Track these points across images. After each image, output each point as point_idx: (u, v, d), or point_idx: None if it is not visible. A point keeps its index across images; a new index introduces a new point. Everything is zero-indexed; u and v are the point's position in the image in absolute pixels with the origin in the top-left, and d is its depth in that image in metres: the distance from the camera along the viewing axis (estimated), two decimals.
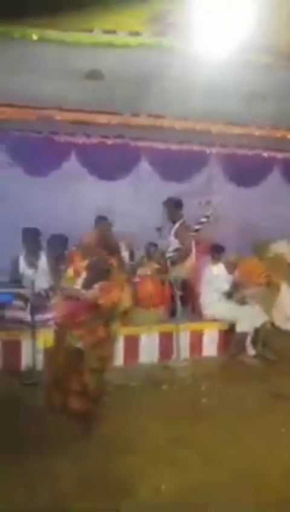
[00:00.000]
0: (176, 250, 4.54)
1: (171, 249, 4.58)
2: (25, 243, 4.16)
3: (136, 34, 3.19)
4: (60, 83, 3.81)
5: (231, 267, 4.65)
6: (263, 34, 3.24)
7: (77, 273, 3.05)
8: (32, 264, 4.11)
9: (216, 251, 4.77)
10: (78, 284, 3.04)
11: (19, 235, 5.15)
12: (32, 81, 3.73)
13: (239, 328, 4.26)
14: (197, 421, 2.98)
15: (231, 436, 2.78)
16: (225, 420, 2.99)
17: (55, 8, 2.69)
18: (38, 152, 5.22)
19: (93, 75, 3.72)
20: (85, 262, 3.09)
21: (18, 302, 3.97)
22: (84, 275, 3.04)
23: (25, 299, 3.90)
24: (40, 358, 3.78)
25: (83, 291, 2.98)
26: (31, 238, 4.14)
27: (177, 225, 4.64)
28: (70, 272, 3.08)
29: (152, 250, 5.33)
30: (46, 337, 3.83)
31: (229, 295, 4.47)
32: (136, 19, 3.01)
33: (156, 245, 5.28)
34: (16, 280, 4.07)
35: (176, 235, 4.60)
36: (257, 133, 5.09)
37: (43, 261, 4.20)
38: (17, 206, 5.37)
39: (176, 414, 3.08)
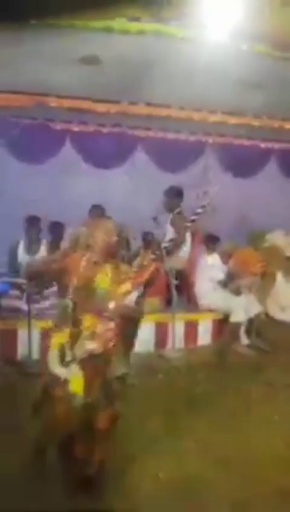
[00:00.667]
0: (172, 240, 4.54)
1: (167, 238, 4.58)
2: (25, 231, 4.13)
3: (135, 19, 3.13)
4: (57, 69, 3.74)
5: (225, 257, 4.67)
6: (259, 23, 3.21)
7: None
8: (32, 252, 4.09)
9: (211, 241, 4.78)
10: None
11: (14, 224, 5.14)
12: (29, 67, 3.66)
13: (233, 318, 4.30)
14: (192, 409, 3.02)
15: (226, 424, 2.83)
16: (220, 409, 3.03)
17: None
18: (34, 139, 5.15)
19: (91, 60, 3.65)
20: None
21: (15, 291, 3.96)
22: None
23: (22, 289, 3.89)
24: (36, 347, 3.79)
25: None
26: (31, 226, 4.10)
27: (173, 215, 4.63)
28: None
29: (148, 239, 5.33)
30: (42, 326, 3.85)
31: (224, 284, 4.50)
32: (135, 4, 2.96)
33: (152, 234, 5.28)
34: (14, 269, 4.05)
35: (172, 225, 4.60)
36: (254, 123, 5.05)
37: (42, 249, 4.17)
38: (10, 194, 5.33)
39: (171, 403, 3.12)
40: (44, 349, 3.18)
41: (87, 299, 2.06)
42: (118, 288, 2.12)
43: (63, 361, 2.03)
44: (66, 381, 2.02)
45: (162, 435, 2.68)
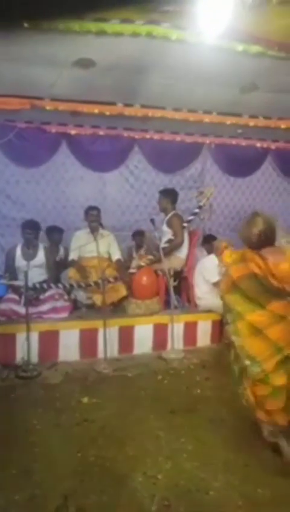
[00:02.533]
0: (169, 241, 4.54)
1: (164, 240, 4.58)
2: (22, 235, 4.12)
3: (128, 21, 3.12)
4: (52, 72, 3.73)
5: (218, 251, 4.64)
6: (255, 23, 3.20)
7: None
8: (29, 256, 4.08)
9: (208, 241, 4.78)
10: None
11: (10, 228, 5.14)
12: (24, 70, 3.66)
13: None
14: (192, 410, 3.02)
15: (226, 425, 2.82)
16: (219, 409, 3.03)
17: None
18: (29, 142, 5.16)
19: (85, 63, 3.64)
20: None
21: (12, 295, 3.95)
22: None
23: (20, 292, 3.88)
24: (34, 351, 3.79)
25: None
26: (29, 230, 4.09)
27: (169, 216, 4.64)
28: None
29: (139, 241, 5.35)
30: (40, 330, 3.85)
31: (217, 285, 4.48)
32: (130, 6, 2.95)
33: (143, 234, 5.29)
34: (11, 272, 4.04)
35: (169, 226, 4.60)
36: (250, 123, 5.06)
37: (40, 254, 4.17)
38: (6, 198, 5.34)
39: (171, 404, 3.11)
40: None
41: None
42: None
43: None
44: None
45: (161, 436, 2.68)
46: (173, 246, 4.51)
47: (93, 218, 4.44)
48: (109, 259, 4.48)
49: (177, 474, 2.32)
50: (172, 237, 4.55)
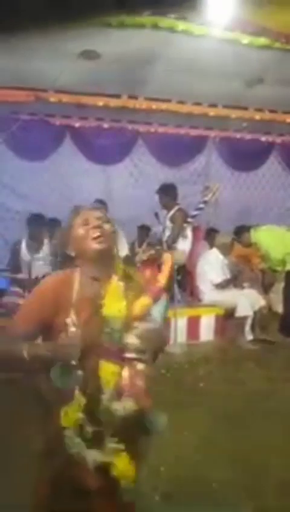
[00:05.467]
0: (172, 235, 4.53)
1: (166, 234, 4.57)
2: (27, 229, 4.12)
3: (134, 12, 3.09)
4: (56, 64, 3.71)
5: (225, 249, 4.63)
6: (260, 15, 3.16)
7: None
8: (34, 249, 4.08)
9: (210, 235, 4.79)
10: None
11: (14, 221, 5.14)
12: (28, 62, 3.64)
13: (239, 312, 4.29)
14: (195, 404, 3.03)
15: (229, 419, 2.83)
16: (223, 404, 3.03)
17: None
18: (33, 135, 5.14)
19: (90, 55, 3.62)
20: None
21: (16, 288, 3.96)
22: None
23: (23, 285, 3.89)
24: None
25: None
26: (34, 224, 4.09)
27: (173, 211, 4.62)
28: None
29: (144, 234, 5.33)
30: None
31: (221, 286, 4.47)
32: None
33: (148, 228, 5.28)
34: (16, 266, 4.05)
35: (172, 221, 4.59)
36: (256, 116, 5.02)
37: (45, 248, 4.17)
38: (10, 190, 5.33)
39: (174, 397, 3.12)
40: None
41: (95, 339, 1.26)
42: (134, 308, 1.32)
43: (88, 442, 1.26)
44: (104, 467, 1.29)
45: (164, 429, 2.68)
46: (175, 241, 4.49)
47: None
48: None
49: (180, 467, 2.33)
50: (174, 232, 4.54)
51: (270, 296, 4.74)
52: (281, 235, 4.44)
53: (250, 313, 4.30)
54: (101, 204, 4.47)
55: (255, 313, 4.37)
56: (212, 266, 4.49)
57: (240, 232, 4.69)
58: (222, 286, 4.45)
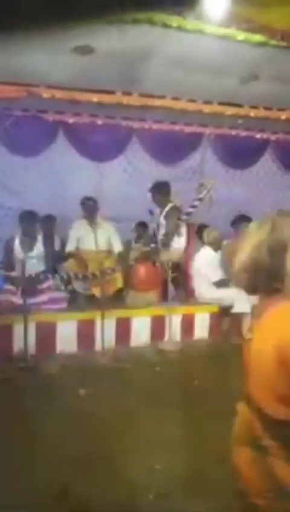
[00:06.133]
0: (166, 233, 4.52)
1: (162, 231, 4.56)
2: (20, 226, 4.07)
3: (129, 7, 3.05)
4: (50, 59, 3.66)
5: (217, 245, 4.60)
6: (256, 12, 3.15)
7: None
8: (28, 247, 4.04)
9: (201, 231, 4.78)
10: None
11: (7, 218, 5.08)
12: (21, 57, 3.58)
13: (236, 309, 4.28)
14: (190, 402, 3.03)
15: (223, 417, 2.82)
16: (217, 401, 3.03)
17: None
18: (26, 131, 5.08)
19: (84, 50, 3.57)
20: None
21: (9, 286, 3.92)
22: None
23: (17, 283, 3.85)
24: (32, 342, 3.78)
25: None
26: (27, 221, 4.05)
27: (167, 209, 4.61)
28: None
29: (141, 232, 5.32)
30: (37, 321, 3.84)
31: (218, 285, 4.46)
32: None
33: (145, 225, 5.26)
34: (9, 263, 4.01)
35: (166, 219, 4.57)
36: (251, 113, 5.01)
37: (39, 244, 4.13)
38: (2, 187, 5.28)
39: (168, 395, 3.12)
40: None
41: None
42: None
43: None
44: None
45: (159, 427, 2.68)
46: (169, 238, 4.48)
47: (88, 208, 4.40)
48: (109, 250, 4.45)
49: (175, 465, 2.33)
50: (169, 229, 4.53)
51: None
52: None
53: (248, 310, 4.30)
54: (91, 201, 4.44)
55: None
56: (208, 264, 4.48)
57: (239, 222, 4.64)
58: (220, 284, 4.44)
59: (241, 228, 4.51)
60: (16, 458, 2.35)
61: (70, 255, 4.33)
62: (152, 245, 4.50)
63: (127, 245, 5.32)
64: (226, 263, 4.59)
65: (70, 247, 4.41)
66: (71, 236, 4.44)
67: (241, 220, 4.66)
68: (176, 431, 2.65)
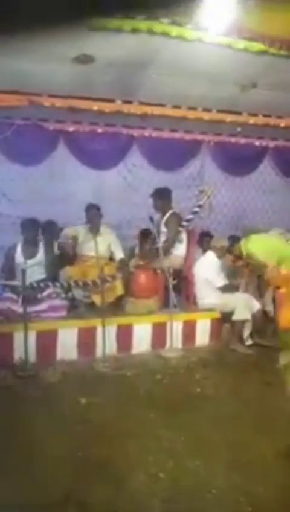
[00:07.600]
0: (167, 240, 4.52)
1: (163, 238, 4.56)
2: (23, 234, 4.07)
3: (129, 17, 3.09)
4: (50, 68, 3.70)
5: (221, 252, 4.61)
6: (256, 20, 3.19)
7: None
8: (29, 254, 4.04)
9: (204, 239, 4.78)
10: None
11: (6, 226, 5.08)
12: (22, 66, 3.62)
13: (237, 316, 4.26)
14: (192, 409, 3.00)
15: (226, 423, 2.80)
16: (219, 408, 3.01)
17: None
18: (27, 139, 5.11)
19: (84, 59, 3.61)
20: None
21: (10, 294, 3.91)
22: None
23: (17, 291, 3.84)
24: (32, 350, 3.75)
25: None
26: (28, 228, 4.04)
27: (167, 215, 4.61)
28: None
29: (144, 239, 5.30)
30: (38, 329, 3.81)
31: (224, 290, 4.45)
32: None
33: (149, 232, 5.25)
34: (10, 271, 4.00)
35: (166, 225, 4.58)
36: (250, 121, 5.05)
37: (41, 251, 4.12)
38: (1, 195, 5.29)
39: (171, 403, 3.09)
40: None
41: None
42: None
43: None
44: None
45: (162, 435, 2.65)
46: (170, 245, 4.48)
47: (92, 215, 4.40)
48: (111, 258, 4.45)
49: (178, 473, 2.30)
50: (169, 236, 4.53)
51: (265, 300, 4.73)
52: (273, 243, 4.43)
53: (248, 317, 4.29)
54: (95, 209, 4.45)
55: (251, 316, 4.36)
56: (212, 270, 4.47)
57: (232, 242, 4.70)
58: (224, 289, 4.43)
59: (234, 248, 4.51)
60: (17, 467, 2.32)
61: (69, 261, 4.32)
62: (153, 252, 4.49)
63: (130, 252, 5.31)
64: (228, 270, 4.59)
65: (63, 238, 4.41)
66: (69, 234, 4.44)
67: (234, 240, 4.68)
68: (179, 438, 2.62)
